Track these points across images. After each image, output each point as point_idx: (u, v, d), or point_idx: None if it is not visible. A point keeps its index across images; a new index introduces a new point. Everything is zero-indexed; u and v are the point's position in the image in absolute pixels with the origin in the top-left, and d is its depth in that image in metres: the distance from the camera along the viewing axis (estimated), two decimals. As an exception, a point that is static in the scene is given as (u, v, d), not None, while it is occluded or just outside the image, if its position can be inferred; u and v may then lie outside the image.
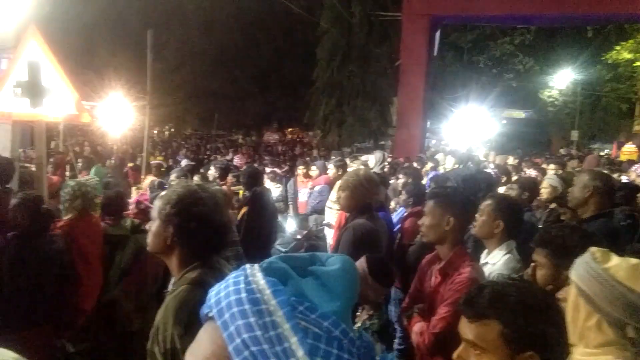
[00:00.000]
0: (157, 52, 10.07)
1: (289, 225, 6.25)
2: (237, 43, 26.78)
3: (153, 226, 1.80)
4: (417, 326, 2.35)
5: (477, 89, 23.54)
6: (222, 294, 0.84)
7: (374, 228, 3.19)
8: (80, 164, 9.35)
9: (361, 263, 2.49)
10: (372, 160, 7.42)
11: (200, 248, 1.78)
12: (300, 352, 0.76)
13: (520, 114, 28.76)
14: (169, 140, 24.60)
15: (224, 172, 6.13)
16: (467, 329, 1.34)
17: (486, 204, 2.72)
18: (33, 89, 4.26)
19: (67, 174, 8.88)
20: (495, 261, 2.64)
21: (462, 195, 2.61)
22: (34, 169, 5.38)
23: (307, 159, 12.28)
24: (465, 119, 18.18)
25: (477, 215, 2.69)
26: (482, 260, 2.72)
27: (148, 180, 7.15)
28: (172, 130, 30.63)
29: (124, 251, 3.99)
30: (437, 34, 17.41)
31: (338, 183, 5.85)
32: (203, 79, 25.76)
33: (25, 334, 2.74)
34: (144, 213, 4.79)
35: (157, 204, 1.80)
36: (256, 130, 32.22)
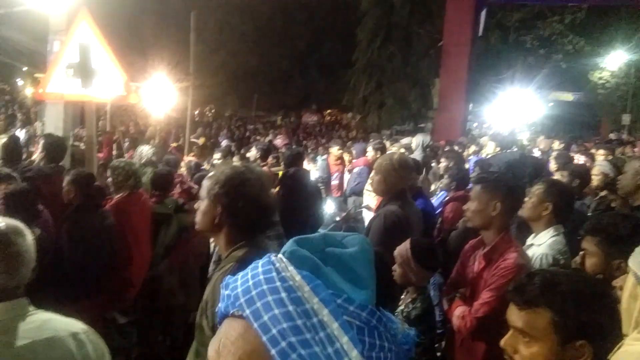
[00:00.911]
0: (198, 33, 10.17)
1: (328, 206, 6.27)
2: (277, 24, 26.75)
3: (202, 205, 1.85)
4: (459, 310, 2.34)
5: (523, 70, 22.71)
6: (250, 283, 0.76)
7: (405, 216, 3.11)
8: (127, 144, 9.66)
9: (405, 246, 2.48)
10: (414, 143, 7.29)
11: (247, 227, 1.82)
12: (354, 352, 0.71)
13: (568, 96, 27.57)
14: (210, 121, 24.99)
15: (265, 153, 6.19)
16: (516, 316, 1.32)
17: (537, 187, 2.69)
18: (84, 71, 4.41)
19: (114, 152, 9.19)
20: (540, 242, 2.60)
21: (510, 180, 2.55)
22: (83, 147, 5.61)
23: (348, 142, 12.21)
24: (509, 102, 17.63)
25: (526, 199, 2.65)
26: (527, 242, 2.68)
27: (190, 160, 7.33)
28: (213, 111, 31.07)
29: (168, 229, 4.12)
30: (483, 13, 16.85)
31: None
32: (243, 60, 25.92)
33: (81, 305, 2.88)
34: (186, 193, 4.92)
35: (206, 184, 1.85)
36: (295, 112, 32.28)
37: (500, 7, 22.31)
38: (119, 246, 3.51)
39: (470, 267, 2.51)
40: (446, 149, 8.18)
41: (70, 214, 3.26)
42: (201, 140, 13.59)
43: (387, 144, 8.32)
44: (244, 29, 25.26)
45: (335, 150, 8.56)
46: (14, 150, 4.58)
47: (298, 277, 0.75)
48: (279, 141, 12.71)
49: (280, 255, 0.80)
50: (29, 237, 1.44)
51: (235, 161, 7.38)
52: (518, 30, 23.92)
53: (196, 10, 10.09)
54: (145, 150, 5.65)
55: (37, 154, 6.69)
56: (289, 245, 0.83)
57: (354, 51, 21.82)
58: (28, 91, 25.82)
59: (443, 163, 6.14)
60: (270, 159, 6.66)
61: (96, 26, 4.59)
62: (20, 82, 27.95)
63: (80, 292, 3.14)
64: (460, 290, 2.50)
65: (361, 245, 0.85)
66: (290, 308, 0.71)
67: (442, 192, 5.40)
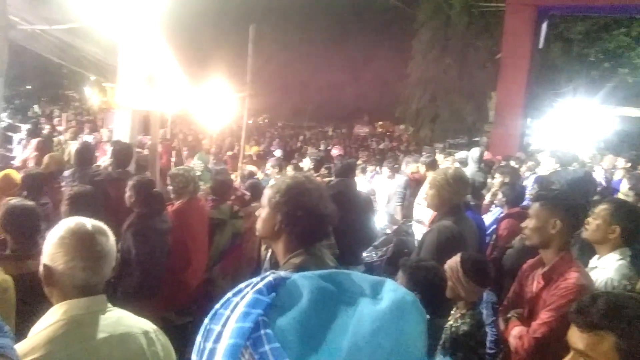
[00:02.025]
0: (255, 44, 10.45)
1: (380, 219, 6.25)
2: (332, 36, 27.05)
3: (263, 213, 1.92)
4: (516, 330, 2.28)
5: (586, 83, 21.77)
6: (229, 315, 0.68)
7: (459, 231, 3.06)
8: (186, 151, 10.04)
9: (455, 259, 2.47)
10: (471, 158, 7.13)
11: (305, 236, 1.87)
12: None
13: (635, 111, 26.15)
14: (263, 131, 25.51)
15: (318, 163, 6.27)
16: (578, 338, 1.30)
17: (602, 207, 2.56)
18: (151, 81, 4.65)
19: (173, 159, 9.57)
20: (605, 266, 2.48)
21: (572, 198, 2.47)
22: (144, 154, 5.89)
23: (402, 156, 12.11)
24: (570, 117, 16.94)
25: (589, 219, 2.55)
26: (590, 265, 2.58)
27: (245, 168, 7.53)
28: (266, 120, 31.69)
29: (223, 234, 4.26)
30: (544, 25, 16.35)
31: (427, 180, 5.78)
32: (297, 71, 26.34)
33: (141, 304, 3.03)
34: (240, 200, 5.07)
35: (268, 192, 1.92)
36: (346, 123, 32.40)
37: (562, 19, 21.57)
38: (178, 249, 3.66)
39: (528, 286, 2.45)
40: (502, 164, 7.98)
41: (134, 218, 3.43)
42: (254, 150, 13.92)
43: (441, 157, 8.21)
44: (299, 39, 25.70)
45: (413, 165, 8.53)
46: (86, 155, 4.88)
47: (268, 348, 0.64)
48: (334, 152, 12.83)
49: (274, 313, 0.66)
50: (111, 237, 1.55)
51: (289, 171, 7.53)
52: (581, 43, 23.01)
53: (251, 21, 10.38)
54: (202, 158, 5.86)
55: (104, 159, 7.09)
56: (295, 285, 0.69)
57: (409, 63, 21.69)
58: (95, 99, 27.36)
59: (498, 179, 5.99)
60: (322, 170, 6.74)
61: (163, 39, 4.84)
62: (88, 90, 29.59)
63: (142, 292, 3.29)
64: (517, 310, 2.44)
65: (400, 302, 0.67)
66: None
67: (497, 209, 5.28)
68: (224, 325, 0.68)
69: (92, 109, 25.05)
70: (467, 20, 19.37)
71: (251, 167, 7.82)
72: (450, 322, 2.45)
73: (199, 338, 0.71)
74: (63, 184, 4.53)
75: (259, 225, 1.95)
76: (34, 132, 10.75)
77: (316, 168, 6.39)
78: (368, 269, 4.95)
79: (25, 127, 11.87)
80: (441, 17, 19.67)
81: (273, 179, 6.17)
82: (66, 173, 4.57)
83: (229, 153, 11.35)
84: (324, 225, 1.91)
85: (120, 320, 1.54)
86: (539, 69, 18.46)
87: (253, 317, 0.65)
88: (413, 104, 21.25)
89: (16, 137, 10.73)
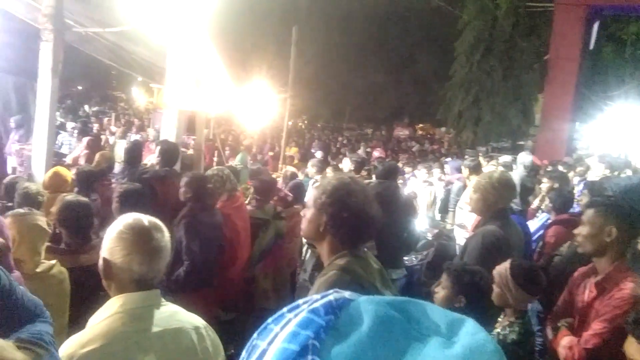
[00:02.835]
0: (296, 46, 10.54)
1: (420, 223, 6.18)
2: (372, 37, 26.93)
3: (308, 213, 1.93)
4: (566, 340, 2.21)
5: (638, 86, 20.79)
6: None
7: (505, 237, 2.98)
8: (228, 151, 10.23)
9: (504, 266, 2.41)
10: (521, 162, 6.92)
11: (350, 237, 1.87)
12: None
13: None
14: (303, 132, 25.67)
15: (359, 165, 6.26)
16: (635, 349, 1.25)
17: None
18: (196, 82, 4.77)
19: (215, 159, 9.78)
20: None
21: (628, 205, 2.37)
22: (190, 153, 6.04)
23: (441, 157, 11.96)
24: (621, 120, 16.22)
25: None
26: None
27: (287, 169, 7.59)
28: (306, 122, 31.88)
29: (265, 234, 4.30)
30: (595, 26, 15.75)
31: (471, 184, 5.67)
32: (337, 72, 26.35)
33: (189, 295, 3.11)
34: (282, 200, 5.11)
35: (313, 193, 1.93)
36: (386, 125, 32.18)
37: (614, 20, 20.71)
38: (225, 245, 3.73)
39: (579, 295, 2.36)
40: (549, 169, 7.73)
41: (187, 211, 3.53)
42: (293, 151, 14.03)
43: (483, 161, 8.03)
44: (340, 41, 25.70)
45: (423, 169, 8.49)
46: (135, 153, 5.04)
47: None
48: (375, 154, 12.78)
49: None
50: (166, 233, 1.60)
51: (328, 172, 7.55)
52: (635, 44, 21.99)
53: (292, 23, 10.48)
54: (243, 158, 5.95)
55: (150, 158, 7.30)
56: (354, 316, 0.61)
57: (451, 64, 21.33)
58: (142, 100, 28.26)
59: (546, 184, 5.81)
60: (362, 172, 6.73)
61: (209, 41, 4.95)
62: (135, 91, 30.54)
63: (190, 283, 3.37)
64: (567, 319, 2.36)
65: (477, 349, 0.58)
66: None
67: (544, 215, 5.12)
68: (270, 343, 0.63)
69: (139, 109, 25.89)
70: (513, 20, 18.86)
71: (292, 168, 7.88)
72: (498, 330, 2.40)
73: (243, 353, 0.68)
74: (113, 181, 4.70)
75: (304, 225, 1.96)
76: (84, 131, 11.21)
77: (356, 170, 6.38)
78: (408, 272, 4.89)
79: (70, 126, 12.37)
80: (486, 18, 19.23)
81: (314, 179, 6.21)
82: (116, 170, 4.74)
83: (270, 154, 11.47)
84: (369, 226, 1.90)
85: (173, 315, 1.58)
86: (588, 71, 17.79)
87: (302, 339, 0.59)
88: (455, 106, 20.86)
89: (66, 135, 11.20)
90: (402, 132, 29.35)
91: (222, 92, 5.12)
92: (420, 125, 32.80)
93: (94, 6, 6.89)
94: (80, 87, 29.78)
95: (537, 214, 5.47)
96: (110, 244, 1.54)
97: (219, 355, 1.66)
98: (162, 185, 4.40)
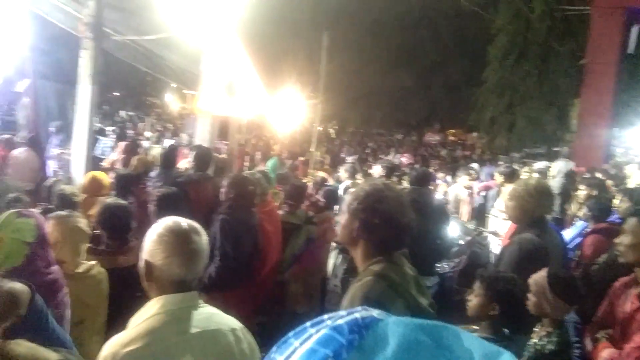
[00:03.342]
0: (327, 52, 10.60)
1: (452, 230, 6.09)
2: (403, 42, 26.77)
3: (342, 219, 1.94)
4: (607, 352, 2.15)
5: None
6: None
7: (543, 245, 2.91)
8: (258, 156, 10.34)
9: (541, 274, 2.36)
10: (555, 169, 6.74)
11: (383, 244, 1.86)
12: None
13: None
14: (332, 138, 25.73)
15: (389, 171, 6.23)
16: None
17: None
18: (231, 88, 4.85)
19: (246, 164, 9.91)
20: None
21: (672, 214, 2.29)
22: (222, 157, 6.12)
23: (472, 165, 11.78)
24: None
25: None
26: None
27: (317, 174, 7.62)
28: (336, 127, 31.92)
29: (297, 238, 4.32)
30: (635, 29, 15.24)
31: (505, 190, 5.56)
32: (368, 77, 26.29)
33: (222, 297, 3.14)
34: (314, 206, 5.13)
35: (347, 199, 1.93)
36: (417, 130, 31.91)
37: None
38: (259, 248, 3.77)
39: (620, 306, 2.29)
40: (586, 176, 7.52)
41: (225, 209, 3.57)
42: (321, 152, 14.06)
43: (517, 167, 7.88)
44: (370, 46, 25.64)
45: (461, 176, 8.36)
46: (170, 158, 5.16)
47: None
48: (404, 160, 12.69)
49: None
50: (204, 236, 1.64)
51: (359, 178, 7.53)
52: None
53: (322, 29, 10.53)
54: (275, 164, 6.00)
55: (183, 162, 7.45)
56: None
57: (483, 69, 21.00)
58: (175, 105, 28.87)
59: (583, 191, 5.65)
60: (393, 178, 6.68)
61: (242, 48, 5.03)
62: (169, 97, 31.20)
63: (222, 284, 3.40)
64: (607, 331, 2.29)
65: None
66: None
67: (582, 223, 4.98)
68: (287, 359, 0.61)
69: (172, 115, 26.45)
70: (548, 24, 18.46)
71: (322, 173, 7.90)
72: (535, 340, 2.34)
73: None
74: (148, 184, 4.81)
75: (338, 230, 1.97)
76: (121, 136, 11.52)
77: (387, 175, 6.34)
78: (440, 280, 4.83)
79: (108, 131, 12.72)
80: (520, 22, 18.87)
81: (345, 184, 6.21)
82: (152, 174, 4.85)
83: (301, 159, 11.54)
84: (402, 233, 1.89)
85: (211, 317, 1.61)
86: (627, 76, 17.23)
87: (319, 357, 0.57)
88: (488, 112, 20.51)
89: (105, 140, 11.53)
90: (432, 137, 29.06)
91: (254, 98, 5.19)
92: (452, 130, 32.41)
93: (131, 14, 7.09)
94: (116, 93, 30.64)
95: (574, 222, 5.32)
96: (151, 246, 1.57)
97: (255, 358, 1.68)
98: (195, 189, 4.48)
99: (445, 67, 27.65)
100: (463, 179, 7.73)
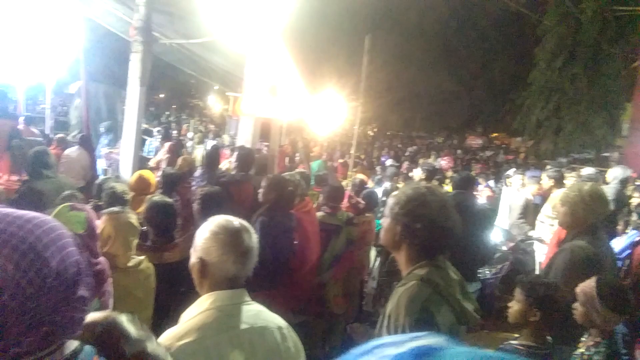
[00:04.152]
0: (369, 54, 10.55)
1: (495, 235, 5.95)
2: (446, 44, 26.38)
3: (385, 222, 1.94)
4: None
5: None
6: None
7: (595, 253, 2.81)
8: (298, 157, 10.41)
9: (590, 283, 2.28)
10: (611, 175, 6.43)
11: (426, 248, 1.85)
12: None
13: None
14: (372, 140, 25.63)
15: (430, 174, 6.16)
16: None
17: None
18: (273, 90, 4.91)
19: (287, 165, 10.00)
20: None
21: None
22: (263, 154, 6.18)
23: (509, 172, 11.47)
24: None
25: None
26: None
27: (356, 177, 7.61)
28: (375, 130, 31.77)
29: (337, 240, 4.33)
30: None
31: (554, 196, 5.39)
32: (409, 79, 26.04)
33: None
34: (354, 207, 5.14)
35: (389, 203, 1.93)
36: (458, 134, 31.36)
37: None
38: (297, 249, 3.80)
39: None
40: (638, 183, 7.20)
41: (265, 211, 3.63)
42: (362, 158, 14.02)
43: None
44: (411, 48, 25.37)
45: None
46: (214, 158, 5.28)
47: None
48: (443, 163, 12.50)
49: None
50: (254, 235, 1.68)
51: (399, 181, 7.48)
52: None
53: (364, 31, 10.50)
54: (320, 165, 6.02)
55: (224, 162, 7.60)
56: None
57: (529, 71, 20.39)
58: (217, 107, 29.46)
59: (637, 199, 5.41)
60: (434, 181, 6.60)
61: (285, 50, 5.09)
62: (211, 99, 31.84)
63: (259, 284, 3.45)
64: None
65: None
66: None
67: (634, 232, 4.78)
68: None
69: (215, 116, 27.02)
70: (599, 25, 17.76)
71: (361, 176, 7.89)
72: (582, 350, 2.27)
73: None
74: (193, 183, 4.94)
75: (382, 233, 1.97)
76: (166, 137, 11.86)
77: (427, 179, 6.27)
78: (481, 286, 4.74)
79: (155, 131, 13.11)
80: (570, 23, 18.23)
81: (384, 187, 6.17)
82: (196, 174, 4.98)
83: (340, 161, 11.55)
84: (445, 237, 1.87)
85: (259, 314, 1.65)
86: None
87: None
88: (534, 115, 19.87)
89: (151, 140, 11.91)
90: (474, 141, 28.48)
91: (296, 100, 5.24)
92: (495, 134, 31.67)
93: (178, 19, 7.30)
94: (162, 95, 31.58)
95: (626, 231, 5.11)
96: (205, 244, 1.61)
97: (300, 356, 1.71)
98: (237, 189, 4.57)
99: (490, 69, 27.06)
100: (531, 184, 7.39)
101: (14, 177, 7.26)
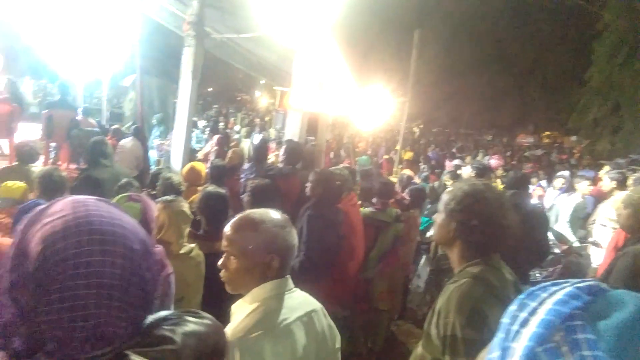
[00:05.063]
0: (418, 50, 10.38)
1: (548, 237, 5.74)
2: (498, 39, 25.60)
3: (438, 218, 1.90)
4: None
5: None
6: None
7: (660, 259, 2.67)
8: (343, 152, 10.40)
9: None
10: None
11: (480, 246, 1.80)
12: None
13: None
14: (418, 137, 25.27)
15: (481, 172, 5.99)
16: None
17: None
18: (321, 85, 4.92)
19: (332, 160, 10.00)
20: None
21: None
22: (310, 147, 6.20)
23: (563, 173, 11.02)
24: None
25: None
26: None
27: (403, 173, 7.52)
28: (421, 126, 31.31)
29: (386, 236, 4.29)
30: None
31: (616, 198, 5.13)
32: (457, 75, 25.47)
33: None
34: (399, 204, 5.08)
35: (444, 198, 1.89)
36: (507, 132, 30.42)
37: None
38: (344, 242, 3.80)
39: None
40: None
41: (312, 205, 3.64)
42: (408, 155, 13.86)
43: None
44: (461, 43, 24.76)
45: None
46: (263, 151, 5.34)
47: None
48: (493, 162, 12.15)
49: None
50: (294, 229, 1.69)
51: (447, 179, 7.34)
52: None
53: (413, 26, 10.32)
54: (366, 161, 5.99)
55: (270, 156, 7.68)
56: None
57: (586, 68, 19.47)
58: (263, 101, 29.83)
59: None
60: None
61: (335, 45, 5.07)
62: (258, 93, 32.24)
63: (305, 278, 3.46)
64: None
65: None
66: None
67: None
68: (540, 304, 0.69)
69: (260, 110, 27.39)
70: (664, 20, 16.74)
71: (408, 171, 7.79)
72: None
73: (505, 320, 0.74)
74: (241, 176, 5.02)
75: (434, 229, 1.94)
76: (214, 129, 12.13)
77: (478, 177, 6.11)
78: (532, 288, 4.57)
79: (202, 124, 13.42)
80: (632, 17, 17.26)
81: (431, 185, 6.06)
82: (245, 166, 5.06)
83: (385, 157, 11.45)
84: (502, 236, 1.81)
85: (305, 299, 1.69)
86: None
87: (571, 306, 0.66)
88: (590, 113, 18.98)
89: (198, 132, 12.20)
90: (525, 139, 27.56)
91: (344, 95, 5.22)
92: (547, 132, 30.54)
93: (228, 13, 7.42)
94: (210, 89, 32.28)
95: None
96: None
97: (336, 336, 1.74)
98: (285, 182, 4.61)
99: (543, 65, 26.07)
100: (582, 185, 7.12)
101: (73, 166, 7.64)
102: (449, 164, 11.65)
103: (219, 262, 1.66)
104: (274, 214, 1.66)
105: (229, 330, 1.47)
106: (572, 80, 21.30)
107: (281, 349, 1.48)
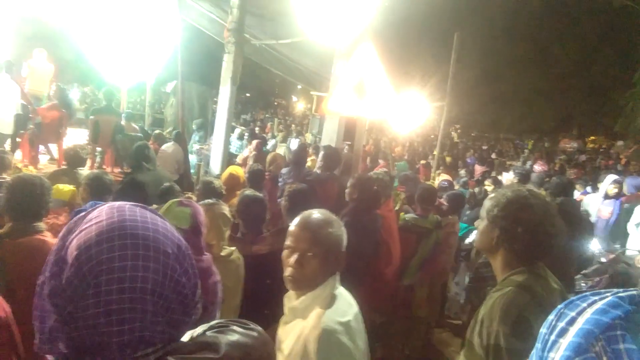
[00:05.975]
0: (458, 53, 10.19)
1: (593, 245, 5.53)
2: (540, 41, 24.91)
3: (481, 225, 1.86)
4: None
5: None
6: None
7: None
8: (380, 159, 10.32)
9: None
10: None
11: (525, 253, 1.76)
12: None
13: None
14: (455, 141, 24.85)
15: (523, 178, 5.83)
16: None
17: None
18: (360, 91, 4.91)
19: (368, 165, 9.95)
20: None
21: None
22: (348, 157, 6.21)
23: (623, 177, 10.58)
24: None
25: None
26: None
27: (441, 178, 7.42)
28: (459, 131, 30.79)
29: (427, 243, 4.23)
30: None
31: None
32: (498, 79, 24.93)
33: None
34: (437, 209, 5.00)
35: (487, 204, 1.85)
36: (550, 136, 29.52)
37: None
38: (382, 248, 3.77)
39: None
40: None
41: (350, 210, 3.64)
42: (446, 159, 13.65)
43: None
44: (502, 46, 24.22)
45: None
46: (302, 156, 5.36)
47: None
48: (536, 167, 11.80)
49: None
50: (339, 229, 1.76)
51: (488, 184, 7.18)
52: None
53: (454, 29, 10.14)
54: (405, 166, 5.93)
55: (311, 159, 7.71)
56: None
57: (634, 70, 18.69)
58: (300, 106, 30.05)
59: None
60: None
61: (376, 49, 5.06)
62: (294, 98, 32.48)
63: (347, 284, 3.46)
64: None
65: None
66: None
67: None
68: (578, 314, 0.69)
69: (297, 115, 27.60)
70: None
71: (446, 176, 7.68)
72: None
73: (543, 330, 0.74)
74: (279, 180, 5.06)
75: (477, 236, 1.90)
76: (252, 134, 12.29)
77: (520, 183, 5.96)
78: (577, 299, 4.42)
79: (238, 129, 13.62)
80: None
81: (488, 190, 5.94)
82: (283, 171, 5.10)
83: (423, 162, 11.31)
84: (547, 244, 1.76)
85: (350, 298, 1.76)
86: None
87: (612, 315, 0.65)
88: (638, 118, 18.23)
89: (234, 138, 12.39)
90: (569, 144, 26.67)
91: (382, 99, 5.20)
92: (592, 137, 29.47)
93: (267, 20, 7.53)
94: (248, 95, 32.79)
95: None
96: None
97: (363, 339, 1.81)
98: (322, 188, 4.62)
99: (587, 68, 25.18)
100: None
101: (117, 169, 7.90)
102: (479, 169, 11.42)
103: (291, 261, 1.66)
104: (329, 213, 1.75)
105: (324, 318, 1.54)
106: (619, 83, 20.49)
107: (359, 335, 1.60)
